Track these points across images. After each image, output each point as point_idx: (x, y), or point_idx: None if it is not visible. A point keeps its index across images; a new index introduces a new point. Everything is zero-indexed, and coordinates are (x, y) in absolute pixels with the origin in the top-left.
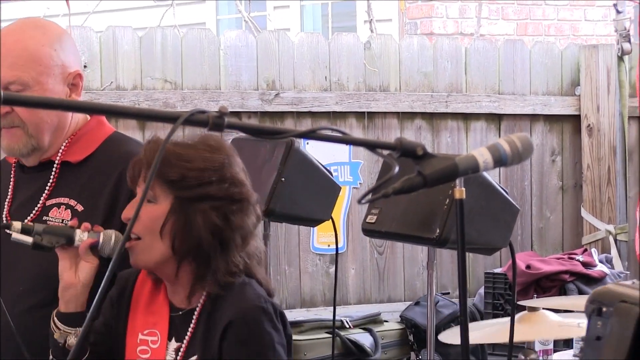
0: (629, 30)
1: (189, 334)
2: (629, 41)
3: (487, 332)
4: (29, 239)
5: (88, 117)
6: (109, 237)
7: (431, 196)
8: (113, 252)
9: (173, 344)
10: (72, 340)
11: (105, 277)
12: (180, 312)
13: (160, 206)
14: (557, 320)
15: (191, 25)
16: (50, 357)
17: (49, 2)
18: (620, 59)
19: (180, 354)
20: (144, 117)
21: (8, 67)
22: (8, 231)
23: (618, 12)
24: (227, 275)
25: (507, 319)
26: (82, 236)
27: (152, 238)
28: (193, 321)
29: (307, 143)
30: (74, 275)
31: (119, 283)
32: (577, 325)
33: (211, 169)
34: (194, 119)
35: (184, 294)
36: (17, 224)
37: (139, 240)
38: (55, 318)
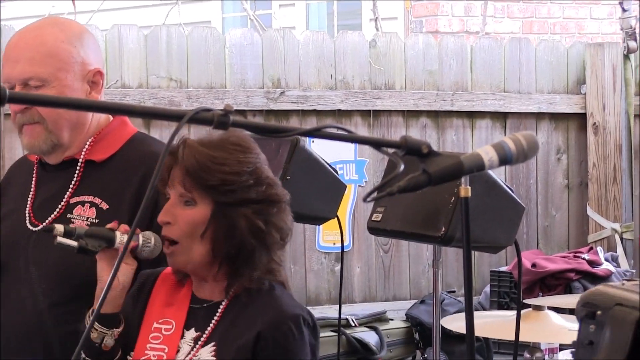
0: (634, 29)
1: (212, 324)
2: (635, 39)
3: (489, 323)
4: (74, 244)
5: (110, 116)
6: (148, 239)
7: (436, 194)
8: (152, 254)
9: (192, 333)
10: (109, 341)
11: (109, 280)
12: (205, 305)
13: (199, 210)
14: (564, 324)
15: (196, 24)
16: (83, 356)
17: (55, 0)
18: (626, 57)
19: (200, 342)
20: (149, 115)
21: (27, 63)
22: (51, 233)
23: (624, 10)
24: (266, 273)
25: (511, 313)
26: (122, 238)
27: (191, 241)
28: (218, 313)
29: (313, 141)
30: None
31: (140, 279)
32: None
33: (247, 172)
34: (199, 117)
35: (214, 288)
36: (59, 227)
37: (177, 244)
38: (91, 317)
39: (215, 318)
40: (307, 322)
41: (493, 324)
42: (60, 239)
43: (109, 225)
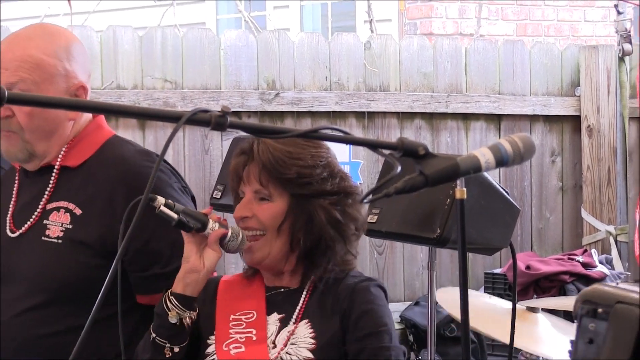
0: (629, 31)
1: (300, 306)
2: (630, 42)
3: (483, 315)
4: (174, 216)
5: (87, 122)
6: (237, 233)
7: (432, 196)
8: (236, 249)
9: (275, 316)
10: (187, 322)
11: (111, 271)
12: (283, 290)
13: (276, 204)
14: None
15: (191, 25)
16: (153, 335)
17: (50, 1)
18: (621, 59)
19: (293, 320)
20: (146, 116)
21: (13, 69)
22: (152, 204)
23: (619, 12)
24: (341, 263)
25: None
26: (214, 226)
27: (272, 234)
28: (304, 297)
29: None
30: (200, 261)
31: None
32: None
33: (321, 165)
34: (197, 118)
35: (291, 278)
36: (161, 199)
37: (262, 237)
38: (170, 297)
39: (302, 301)
40: (381, 287)
41: (488, 322)
42: (162, 208)
43: (204, 211)
